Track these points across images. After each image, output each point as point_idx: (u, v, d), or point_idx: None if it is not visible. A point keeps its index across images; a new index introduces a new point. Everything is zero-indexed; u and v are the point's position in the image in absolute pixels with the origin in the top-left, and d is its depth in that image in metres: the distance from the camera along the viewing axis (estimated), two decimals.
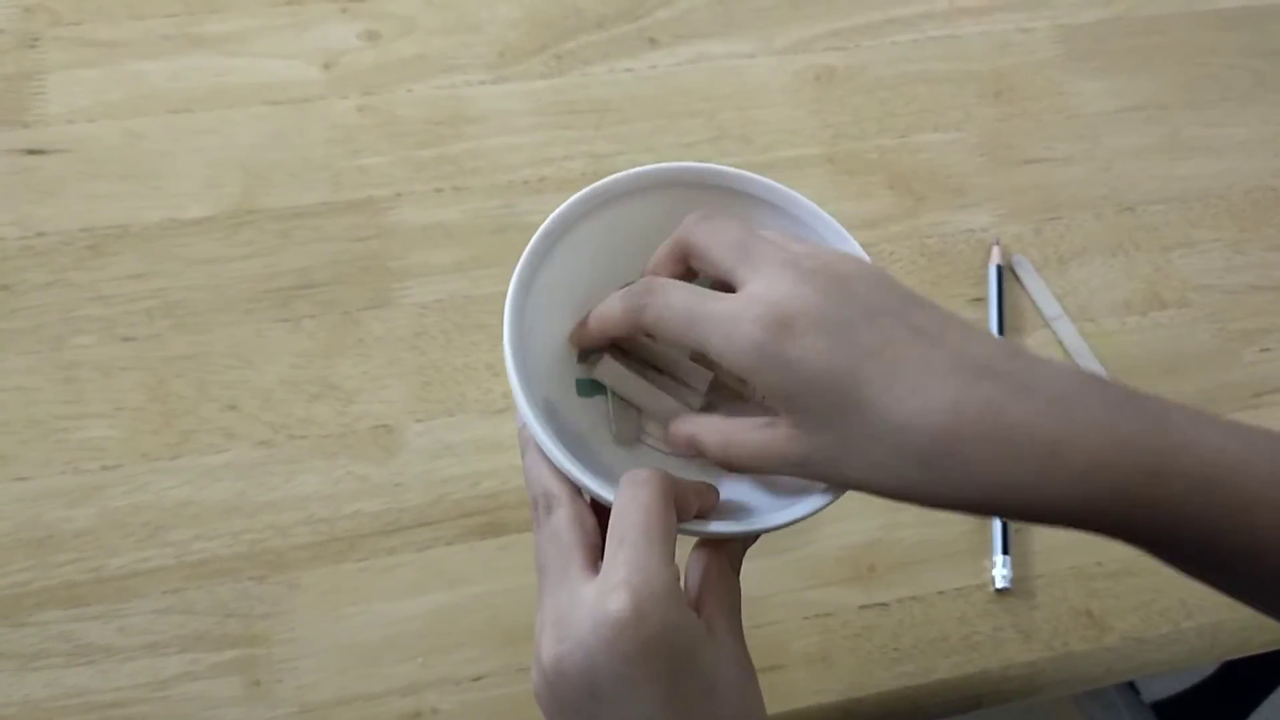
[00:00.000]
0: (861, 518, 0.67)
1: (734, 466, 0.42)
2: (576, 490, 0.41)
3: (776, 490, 0.44)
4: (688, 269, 0.44)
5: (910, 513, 0.67)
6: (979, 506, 0.38)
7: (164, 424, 0.65)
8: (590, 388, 0.47)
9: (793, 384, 0.38)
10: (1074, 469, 0.36)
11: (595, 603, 0.36)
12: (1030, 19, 0.82)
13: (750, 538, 0.43)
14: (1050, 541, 0.67)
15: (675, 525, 0.39)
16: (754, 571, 0.64)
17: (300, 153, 0.72)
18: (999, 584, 0.65)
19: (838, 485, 0.41)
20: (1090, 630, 0.65)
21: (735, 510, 0.44)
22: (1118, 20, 0.83)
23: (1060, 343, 0.72)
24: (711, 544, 0.41)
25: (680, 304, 0.40)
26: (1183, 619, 0.67)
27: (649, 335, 0.45)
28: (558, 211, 0.47)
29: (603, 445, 0.46)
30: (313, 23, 0.75)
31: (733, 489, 0.45)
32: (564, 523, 0.40)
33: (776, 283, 0.38)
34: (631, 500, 0.38)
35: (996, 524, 0.66)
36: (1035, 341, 0.72)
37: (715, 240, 0.41)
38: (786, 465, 0.40)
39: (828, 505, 0.42)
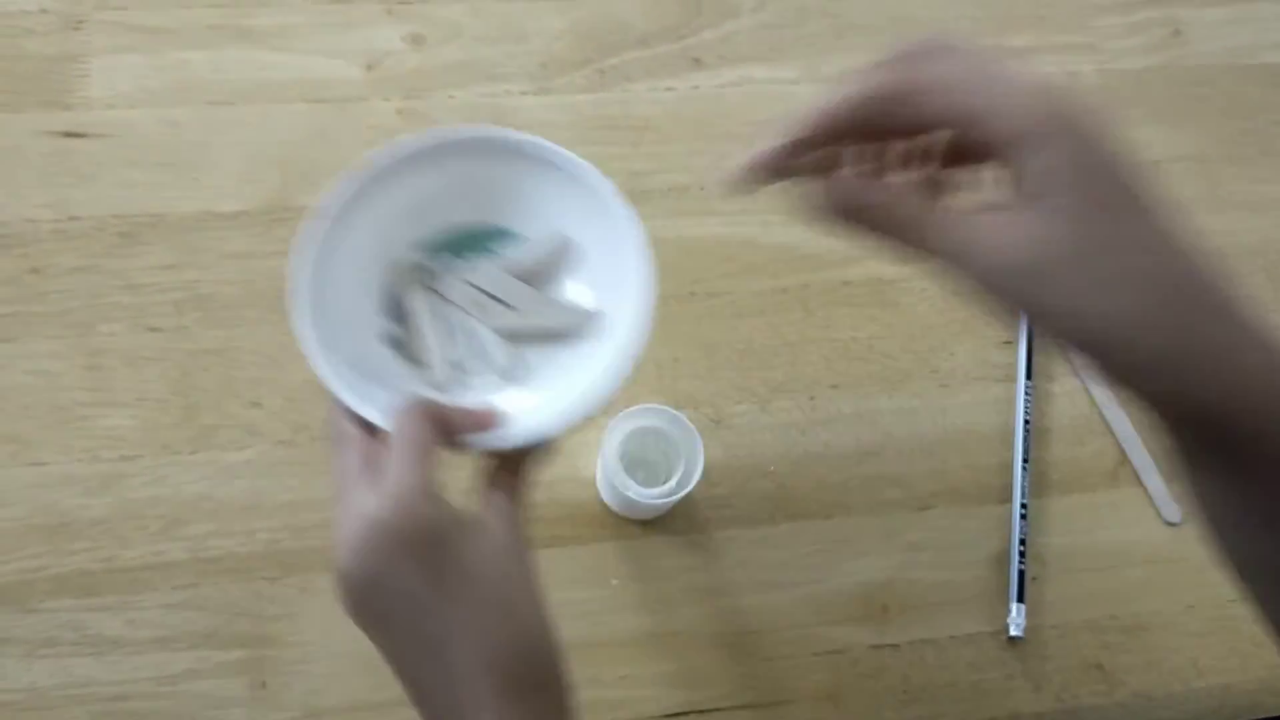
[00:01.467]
0: (877, 556, 0.66)
1: (937, 247, 0.37)
2: (366, 428, 0.46)
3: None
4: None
5: (927, 554, 0.67)
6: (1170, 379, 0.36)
7: (186, 417, 0.64)
8: (390, 341, 0.53)
9: (1093, 158, 0.35)
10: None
11: (362, 509, 0.42)
12: (1075, 62, 0.82)
13: (522, 449, 0.48)
14: (1065, 592, 0.67)
15: (434, 440, 0.45)
16: (765, 605, 0.64)
17: (338, 152, 0.71)
18: (1013, 632, 0.65)
19: (1036, 312, 0.36)
20: (1100, 684, 0.65)
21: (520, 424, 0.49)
22: (1163, 69, 0.83)
23: (1088, 392, 0.72)
24: (492, 454, 0.48)
25: (968, 62, 0.36)
26: (1194, 678, 0.66)
27: (900, 108, 0.37)
28: (334, 191, 0.50)
29: (397, 388, 0.50)
30: (358, 23, 0.75)
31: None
32: (350, 452, 0.46)
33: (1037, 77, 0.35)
34: (397, 426, 0.45)
35: (1014, 571, 0.66)
36: (1063, 389, 0.72)
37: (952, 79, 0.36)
38: (1010, 261, 0.35)
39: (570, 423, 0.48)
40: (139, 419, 0.64)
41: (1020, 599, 0.65)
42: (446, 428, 0.46)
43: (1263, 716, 0.69)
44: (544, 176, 0.54)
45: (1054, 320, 0.36)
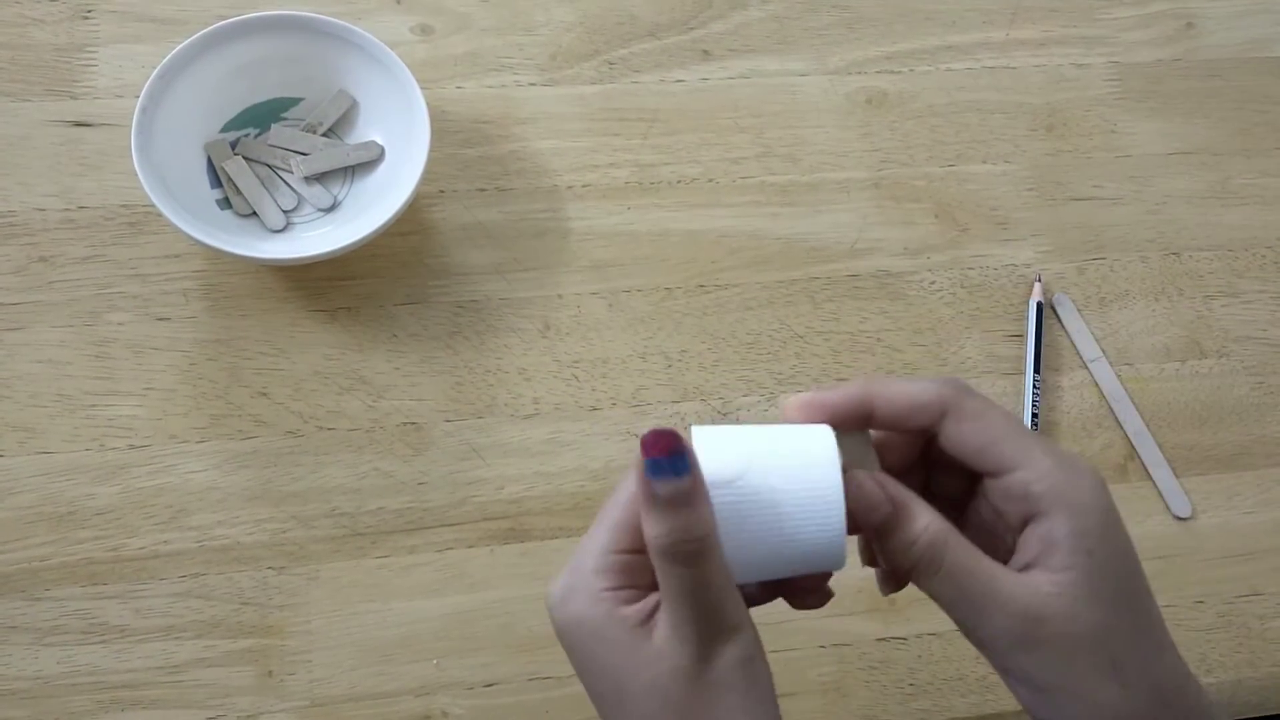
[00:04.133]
0: None
1: (938, 575, 0.38)
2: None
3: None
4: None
5: None
6: None
7: (193, 406, 0.64)
8: (225, 203, 0.67)
9: (1117, 540, 0.38)
10: None
11: (555, 582, 0.39)
12: (1086, 54, 0.82)
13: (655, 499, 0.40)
14: None
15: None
16: None
17: None
18: None
19: (1041, 672, 0.37)
20: None
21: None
22: (1175, 62, 0.82)
23: (1097, 385, 0.71)
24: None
25: (1005, 413, 0.40)
26: (1203, 674, 0.66)
27: (931, 434, 0.41)
28: (173, 53, 0.65)
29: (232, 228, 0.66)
30: (367, 13, 0.75)
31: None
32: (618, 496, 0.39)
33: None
34: (620, 484, 0.39)
35: None
36: (1072, 383, 0.71)
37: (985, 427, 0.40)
38: (1021, 613, 0.37)
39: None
40: (146, 408, 0.64)
41: None
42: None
43: (1272, 713, 0.69)
44: (334, 49, 0.68)
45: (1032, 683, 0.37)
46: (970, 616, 0.38)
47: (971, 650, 0.64)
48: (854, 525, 0.38)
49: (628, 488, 0.38)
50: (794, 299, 0.72)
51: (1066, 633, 0.36)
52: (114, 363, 0.65)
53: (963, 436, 0.39)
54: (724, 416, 0.68)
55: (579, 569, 0.38)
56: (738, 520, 0.37)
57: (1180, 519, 0.69)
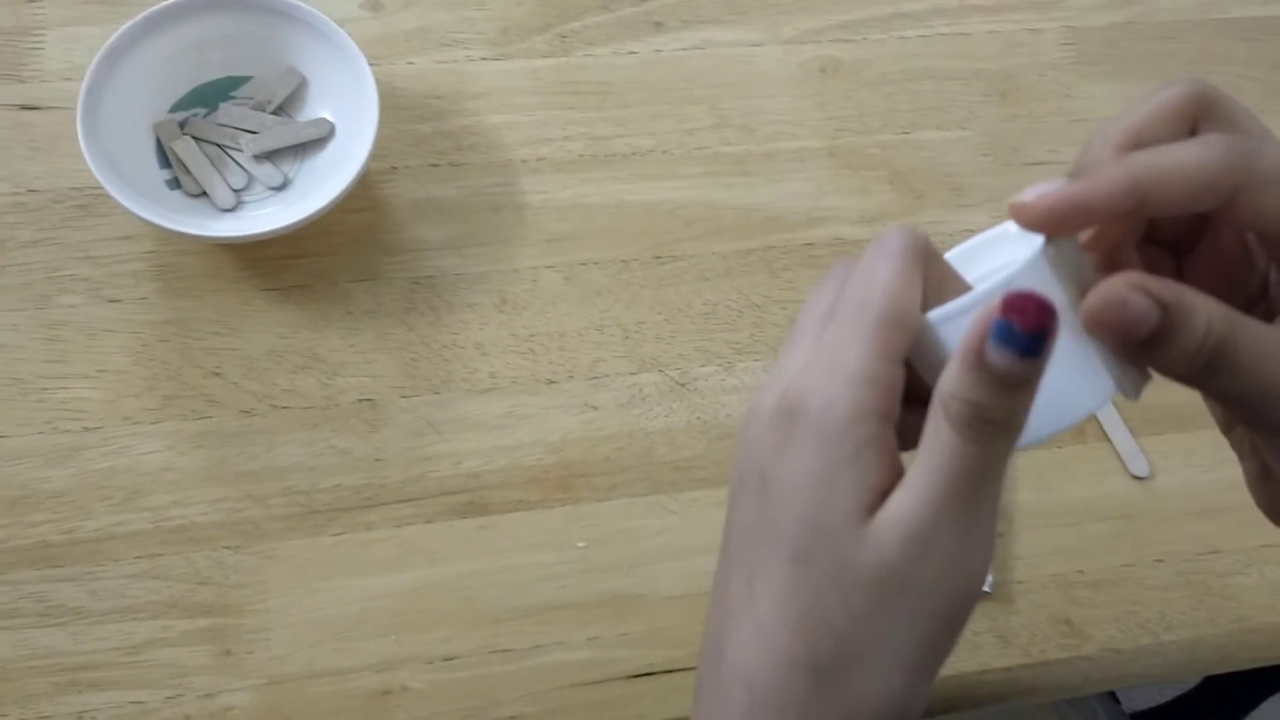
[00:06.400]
0: None
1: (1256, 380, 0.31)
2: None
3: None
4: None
5: None
6: None
7: (146, 388, 0.64)
8: (174, 183, 0.67)
9: None
10: None
11: (771, 385, 0.32)
12: (1040, 19, 0.82)
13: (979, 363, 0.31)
14: (1032, 548, 0.67)
15: (912, 312, 0.31)
16: None
17: None
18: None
19: None
20: (1069, 639, 0.65)
21: None
22: (1129, 25, 0.82)
23: None
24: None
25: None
26: (1163, 632, 0.66)
27: (1236, 200, 0.31)
28: (117, 34, 0.64)
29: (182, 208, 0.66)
30: None
31: None
32: (825, 291, 0.34)
33: None
34: (867, 266, 0.32)
35: None
36: None
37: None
38: None
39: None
40: (99, 390, 0.64)
41: None
42: (938, 286, 0.32)
43: (1232, 669, 0.69)
44: (282, 27, 0.68)
45: None
46: (1271, 407, 0.31)
47: None
48: (1114, 346, 0.32)
49: (884, 276, 0.31)
50: (750, 268, 0.72)
51: None
52: (66, 345, 0.65)
53: (1264, 211, 0.31)
54: (682, 387, 0.68)
55: (840, 371, 0.30)
56: None
57: (1139, 479, 0.69)
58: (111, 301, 0.66)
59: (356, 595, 0.62)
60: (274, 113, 0.69)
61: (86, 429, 0.63)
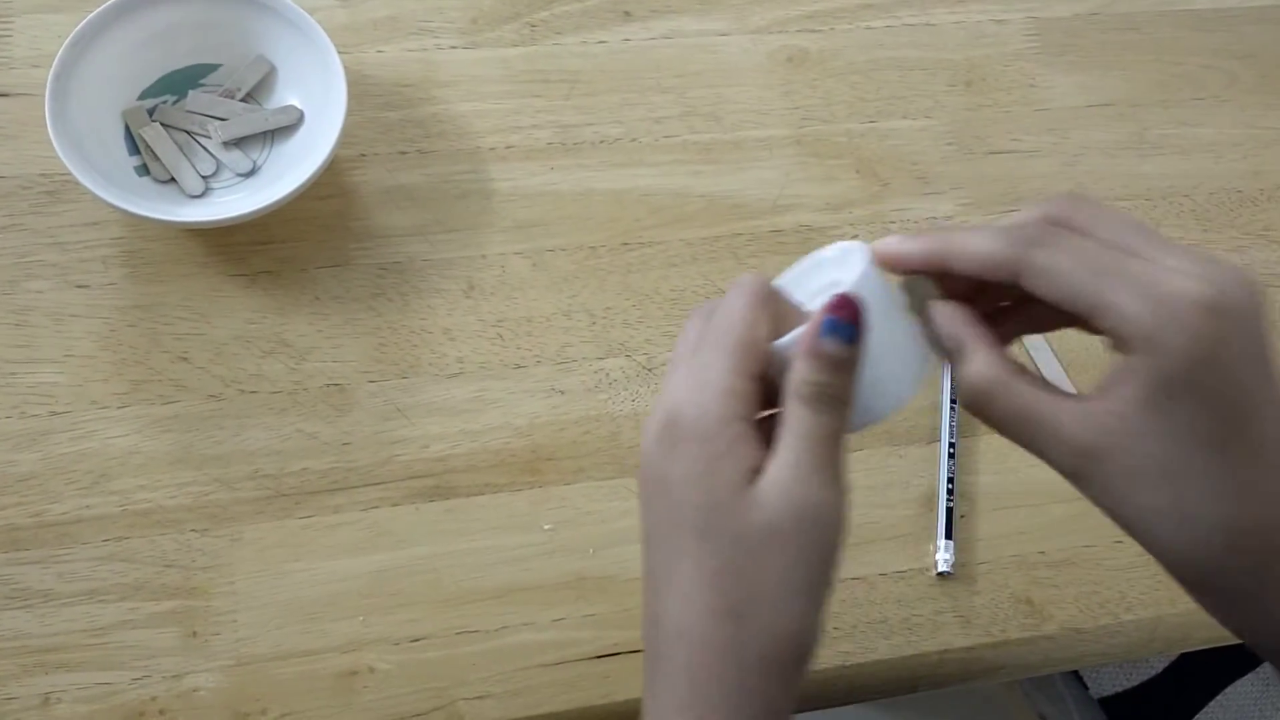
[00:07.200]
0: None
1: (992, 408, 0.39)
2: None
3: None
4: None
5: (856, 494, 0.67)
6: (1253, 624, 0.39)
7: (114, 373, 0.64)
8: (143, 170, 0.67)
9: (1208, 369, 0.35)
10: None
11: (662, 399, 0.40)
12: (1005, 10, 0.82)
13: (821, 356, 0.41)
14: (993, 529, 0.67)
15: (760, 339, 0.40)
16: None
17: None
18: (941, 568, 0.65)
19: (1108, 505, 0.38)
20: (1030, 619, 0.66)
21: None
22: (1093, 16, 0.83)
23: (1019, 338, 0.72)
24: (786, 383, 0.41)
25: (1084, 255, 0.37)
26: (1123, 611, 0.67)
27: (1015, 284, 0.39)
28: (85, 20, 0.65)
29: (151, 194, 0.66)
30: None
31: None
32: (694, 321, 0.42)
33: (1210, 267, 0.36)
34: (726, 304, 0.40)
35: (941, 508, 0.66)
36: None
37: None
38: (1074, 447, 0.37)
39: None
40: (67, 375, 0.64)
41: (949, 535, 0.66)
42: (781, 320, 0.41)
43: (1192, 649, 0.70)
44: (250, 14, 0.68)
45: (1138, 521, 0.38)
46: (1033, 451, 0.39)
47: (895, 593, 0.65)
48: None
49: (738, 311, 0.40)
50: (717, 255, 0.72)
51: (1127, 473, 0.36)
52: (33, 330, 0.65)
53: (1040, 291, 0.37)
54: (649, 372, 0.69)
55: (708, 386, 0.39)
56: None
57: None
58: (79, 287, 0.66)
59: (324, 577, 0.62)
60: (243, 100, 0.70)
61: (54, 413, 0.63)
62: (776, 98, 0.77)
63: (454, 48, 0.76)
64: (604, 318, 0.70)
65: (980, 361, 0.39)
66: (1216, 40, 0.84)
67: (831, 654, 0.64)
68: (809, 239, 0.73)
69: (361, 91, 0.73)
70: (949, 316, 0.40)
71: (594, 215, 0.73)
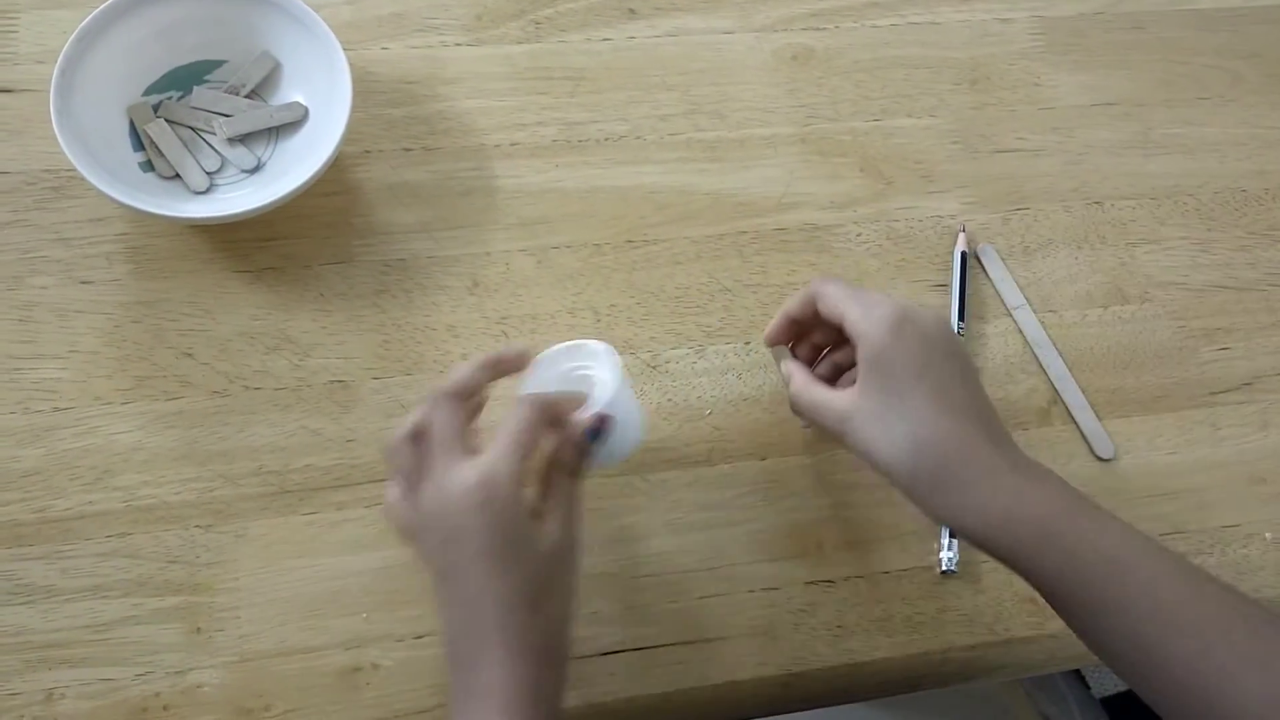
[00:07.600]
0: (812, 495, 0.67)
1: (800, 407, 0.60)
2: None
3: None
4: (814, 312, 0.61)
5: (861, 492, 0.67)
6: (937, 510, 0.54)
7: (118, 369, 0.64)
8: (145, 167, 0.67)
9: (892, 351, 0.55)
10: (1015, 514, 0.53)
11: (465, 473, 0.50)
12: (1010, 9, 0.82)
13: (580, 448, 0.56)
14: None
15: (539, 438, 0.53)
16: (701, 544, 0.65)
17: None
18: (944, 567, 0.65)
19: (860, 450, 0.56)
20: (1033, 617, 0.66)
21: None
22: (1097, 15, 0.83)
23: (1021, 332, 0.72)
24: (555, 459, 0.55)
25: (839, 289, 0.58)
26: None
27: (813, 310, 0.60)
28: (91, 16, 0.65)
29: (155, 190, 0.66)
30: None
31: None
32: (448, 418, 0.53)
33: (895, 303, 0.56)
34: (516, 412, 0.52)
35: None
36: (996, 330, 0.72)
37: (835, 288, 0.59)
38: (836, 415, 0.57)
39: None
40: (71, 370, 0.64)
41: (953, 534, 0.66)
42: (553, 420, 0.54)
43: None
44: (256, 11, 0.69)
45: (873, 454, 0.55)
46: (824, 426, 0.58)
47: (898, 591, 0.65)
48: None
49: (525, 418, 0.52)
50: (722, 253, 0.72)
51: (861, 422, 0.55)
52: (38, 326, 0.65)
53: (824, 312, 0.59)
54: (654, 369, 0.69)
55: (497, 471, 0.50)
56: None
57: (1103, 460, 0.70)
58: (84, 283, 0.66)
59: (327, 574, 0.62)
60: (248, 96, 0.70)
61: (58, 409, 0.63)
62: (781, 95, 0.77)
63: (459, 45, 0.76)
64: (609, 315, 0.70)
65: (796, 381, 0.60)
66: (1221, 40, 0.84)
67: (835, 652, 0.64)
68: (813, 237, 0.73)
69: (366, 88, 0.73)
70: (787, 363, 0.62)
71: (599, 213, 0.72)
